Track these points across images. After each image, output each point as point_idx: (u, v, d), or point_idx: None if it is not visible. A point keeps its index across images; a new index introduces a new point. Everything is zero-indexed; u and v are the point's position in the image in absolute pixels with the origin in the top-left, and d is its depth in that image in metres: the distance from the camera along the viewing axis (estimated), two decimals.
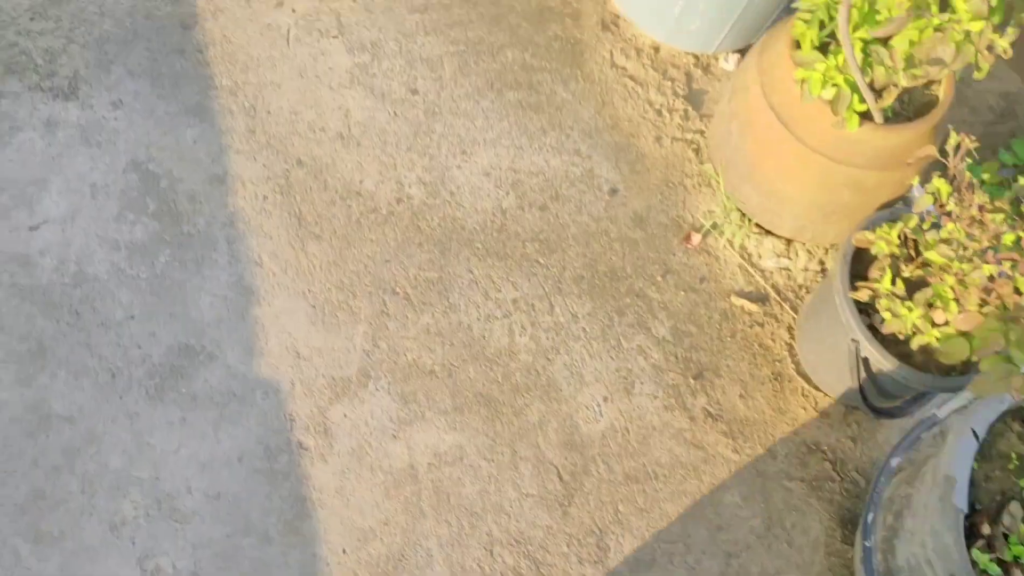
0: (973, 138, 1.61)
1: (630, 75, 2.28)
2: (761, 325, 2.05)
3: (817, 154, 1.77)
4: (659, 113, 2.24)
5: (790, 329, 2.05)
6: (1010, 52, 1.55)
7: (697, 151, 2.21)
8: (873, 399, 1.82)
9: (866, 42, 1.65)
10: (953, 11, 1.53)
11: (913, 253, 1.71)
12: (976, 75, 1.57)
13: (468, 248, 2.02)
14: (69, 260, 1.84)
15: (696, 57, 2.32)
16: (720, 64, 2.33)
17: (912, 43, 1.59)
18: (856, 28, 1.64)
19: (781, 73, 1.78)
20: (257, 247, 1.93)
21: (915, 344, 1.65)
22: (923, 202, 1.63)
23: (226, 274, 1.89)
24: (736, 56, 2.33)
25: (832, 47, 1.74)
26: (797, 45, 1.77)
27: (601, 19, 2.34)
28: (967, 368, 1.69)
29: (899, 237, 1.69)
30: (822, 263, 2.12)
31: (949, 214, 1.62)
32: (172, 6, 2.15)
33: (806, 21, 1.64)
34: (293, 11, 2.21)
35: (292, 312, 1.88)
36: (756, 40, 2.33)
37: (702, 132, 2.23)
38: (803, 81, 1.71)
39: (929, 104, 1.81)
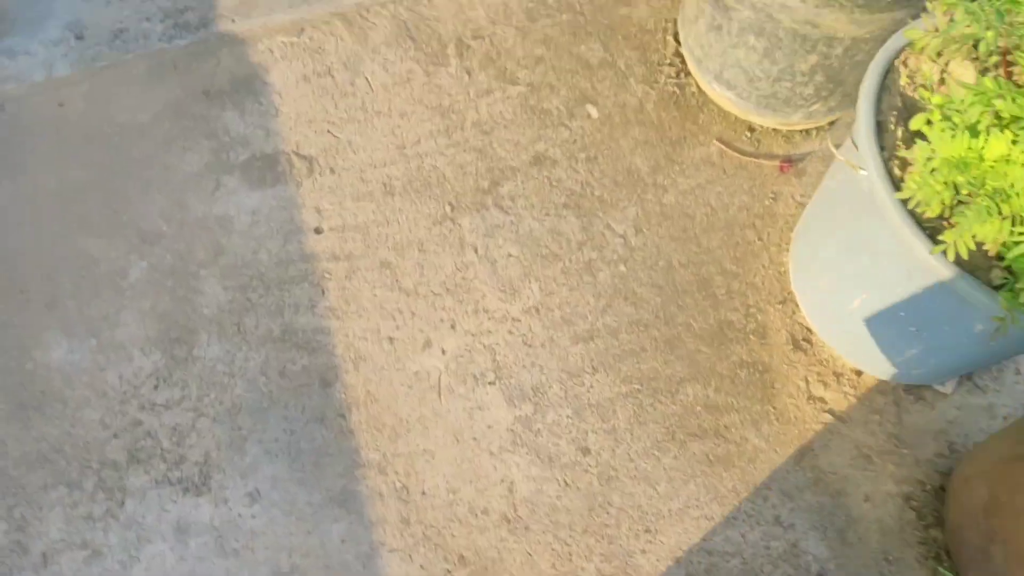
0: None
1: (829, 409, 1.95)
2: None
3: None
4: (867, 459, 1.91)
5: None
6: None
7: (918, 512, 1.86)
8: None
9: None
10: None
11: None
12: None
13: None
14: None
15: None
16: (935, 386, 1.99)
17: None
18: None
19: None
20: None
21: None
22: None
23: None
24: (954, 380, 1.98)
25: None
26: None
27: (791, 335, 2.01)
28: None
29: None
30: None
31: None
32: (308, 357, 1.89)
33: None
34: (443, 352, 1.93)
35: None
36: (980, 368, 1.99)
37: (922, 483, 1.89)
38: None
39: None
